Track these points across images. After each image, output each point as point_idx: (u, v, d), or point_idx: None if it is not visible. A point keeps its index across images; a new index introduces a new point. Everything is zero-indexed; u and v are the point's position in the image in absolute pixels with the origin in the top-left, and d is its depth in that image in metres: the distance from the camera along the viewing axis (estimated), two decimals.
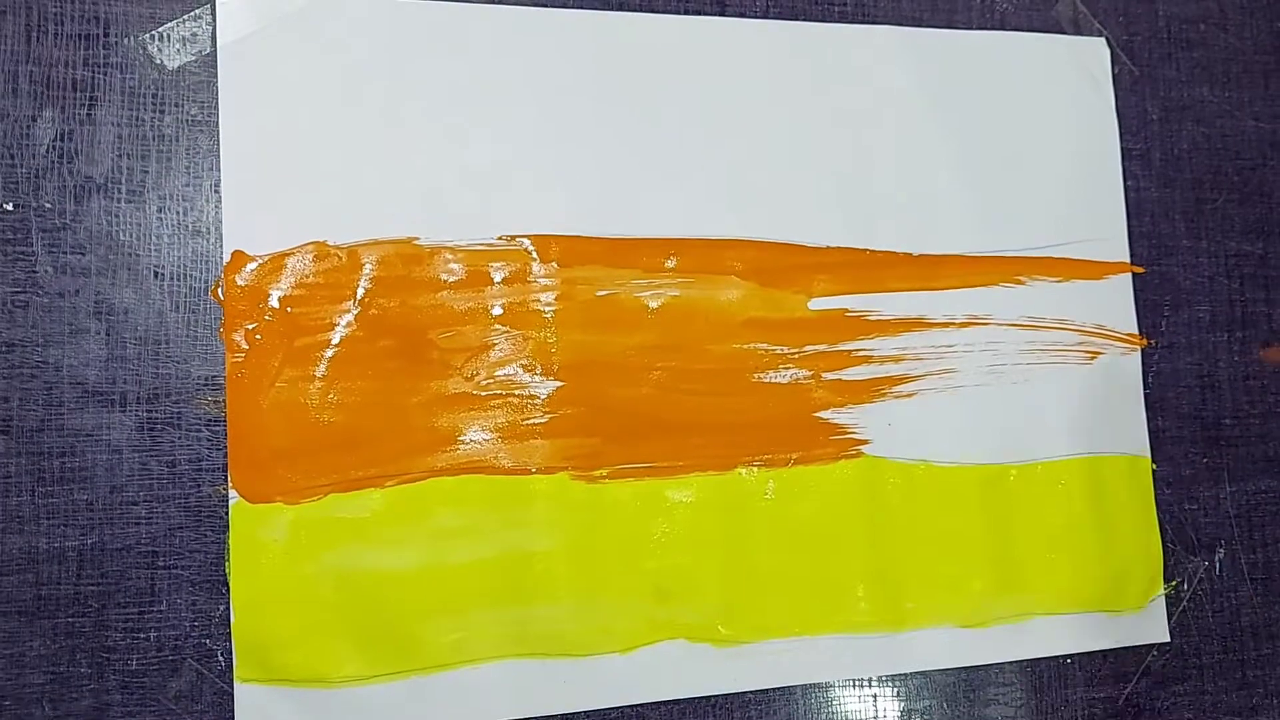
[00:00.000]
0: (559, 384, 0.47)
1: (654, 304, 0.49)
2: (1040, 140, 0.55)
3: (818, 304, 0.51)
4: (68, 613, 0.42)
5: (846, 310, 0.51)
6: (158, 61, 0.45)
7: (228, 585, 0.43)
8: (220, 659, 0.43)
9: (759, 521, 0.49)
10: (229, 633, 0.43)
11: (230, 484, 0.43)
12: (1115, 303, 0.55)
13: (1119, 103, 0.56)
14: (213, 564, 0.43)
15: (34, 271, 0.43)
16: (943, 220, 0.53)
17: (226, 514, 0.43)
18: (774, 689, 0.48)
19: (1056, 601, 0.52)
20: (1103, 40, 0.56)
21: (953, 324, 0.52)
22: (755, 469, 0.49)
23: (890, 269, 0.52)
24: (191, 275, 0.44)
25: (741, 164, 0.51)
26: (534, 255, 0.48)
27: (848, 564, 0.50)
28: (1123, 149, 0.56)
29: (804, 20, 0.52)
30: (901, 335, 0.52)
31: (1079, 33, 0.56)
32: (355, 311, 0.45)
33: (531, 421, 0.47)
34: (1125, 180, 0.56)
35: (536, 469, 0.47)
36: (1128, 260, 0.55)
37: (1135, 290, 0.55)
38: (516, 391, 0.47)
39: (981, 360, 0.52)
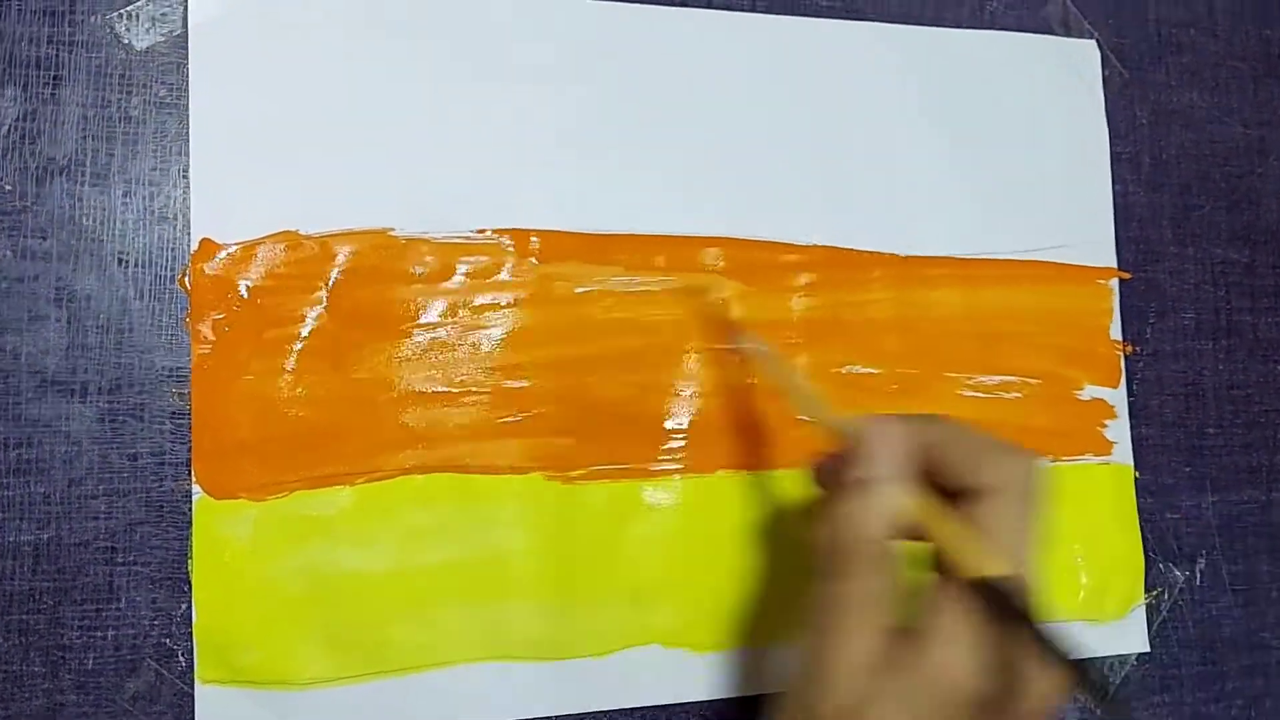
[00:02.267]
0: (534, 382, 0.46)
1: (627, 302, 0.48)
2: (1029, 142, 0.54)
3: (801, 303, 0.50)
4: (21, 609, 0.40)
5: (830, 311, 0.50)
6: (126, 41, 0.43)
7: (190, 583, 0.42)
8: (181, 659, 0.41)
9: (739, 525, 0.48)
10: (190, 632, 0.42)
11: (194, 479, 0.42)
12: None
13: (1108, 106, 0.56)
14: (174, 561, 0.42)
15: None
16: (929, 221, 0.52)
17: (189, 510, 0.42)
18: (753, 697, 0.47)
19: (1041, 610, 0.51)
20: (1093, 42, 0.56)
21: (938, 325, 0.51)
22: (736, 472, 0.48)
23: (876, 269, 0.51)
24: (157, 262, 0.43)
25: (725, 159, 0.50)
26: (512, 250, 0.46)
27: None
28: (1112, 153, 0.55)
29: (791, 15, 0.51)
30: (885, 337, 0.51)
31: (1069, 34, 0.55)
32: (327, 304, 0.44)
33: (505, 420, 0.46)
34: (1114, 184, 0.55)
35: (509, 468, 0.45)
36: (1115, 265, 0.55)
37: (1121, 296, 0.54)
38: (490, 389, 0.46)
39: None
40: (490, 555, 0.45)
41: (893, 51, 0.53)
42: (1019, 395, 0.52)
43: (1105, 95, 0.56)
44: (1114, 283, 0.54)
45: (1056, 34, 0.55)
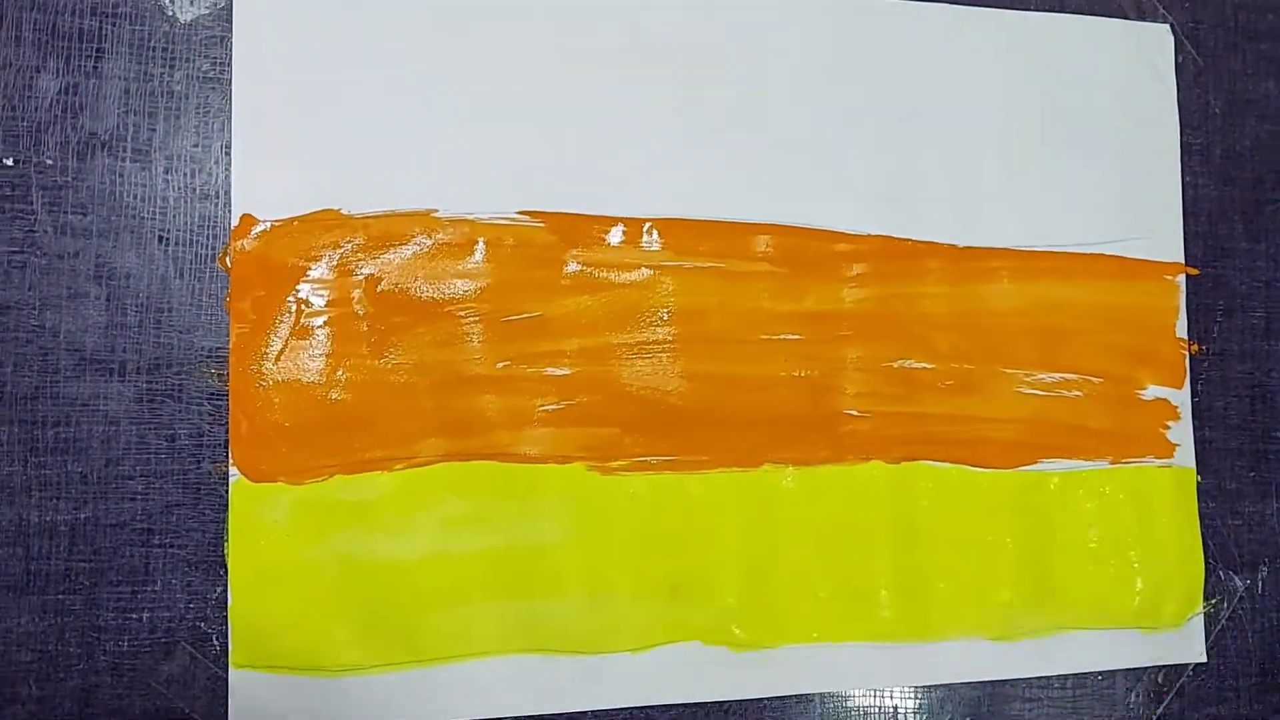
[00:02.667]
0: (577, 370, 0.45)
1: (677, 290, 0.46)
2: (1097, 130, 0.52)
3: (853, 294, 0.48)
4: (57, 589, 0.40)
5: (883, 303, 0.48)
6: (169, 13, 0.42)
7: (226, 567, 0.41)
8: (215, 643, 0.41)
9: (782, 522, 0.47)
10: (225, 616, 0.41)
11: (231, 461, 0.41)
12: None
13: (1181, 94, 0.53)
14: (211, 544, 0.41)
15: (33, 231, 0.41)
16: (990, 211, 0.50)
17: (226, 492, 0.41)
18: (791, 696, 0.46)
19: (1089, 616, 0.50)
20: (1167, 27, 0.53)
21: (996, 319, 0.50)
22: (781, 467, 0.47)
23: (932, 260, 0.49)
24: (198, 241, 0.42)
25: (779, 144, 0.48)
26: (555, 234, 0.45)
27: (874, 569, 0.47)
28: (1183, 143, 0.53)
29: None
30: (941, 331, 0.49)
31: (1142, 18, 0.53)
32: (366, 285, 0.43)
33: (547, 408, 0.45)
34: (1184, 176, 0.53)
35: (550, 457, 0.44)
36: (1182, 260, 0.52)
37: (1187, 293, 0.52)
38: (532, 376, 0.45)
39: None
40: (528, 545, 0.44)
41: (960, 34, 0.51)
42: (1079, 394, 0.50)
43: (1178, 83, 0.53)
44: (1180, 279, 0.52)
45: (1129, 18, 0.53)
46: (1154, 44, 0.53)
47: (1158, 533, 0.51)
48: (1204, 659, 0.51)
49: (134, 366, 0.41)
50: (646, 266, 0.46)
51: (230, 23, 0.43)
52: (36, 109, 0.41)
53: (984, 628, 0.48)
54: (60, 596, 0.40)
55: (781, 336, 0.47)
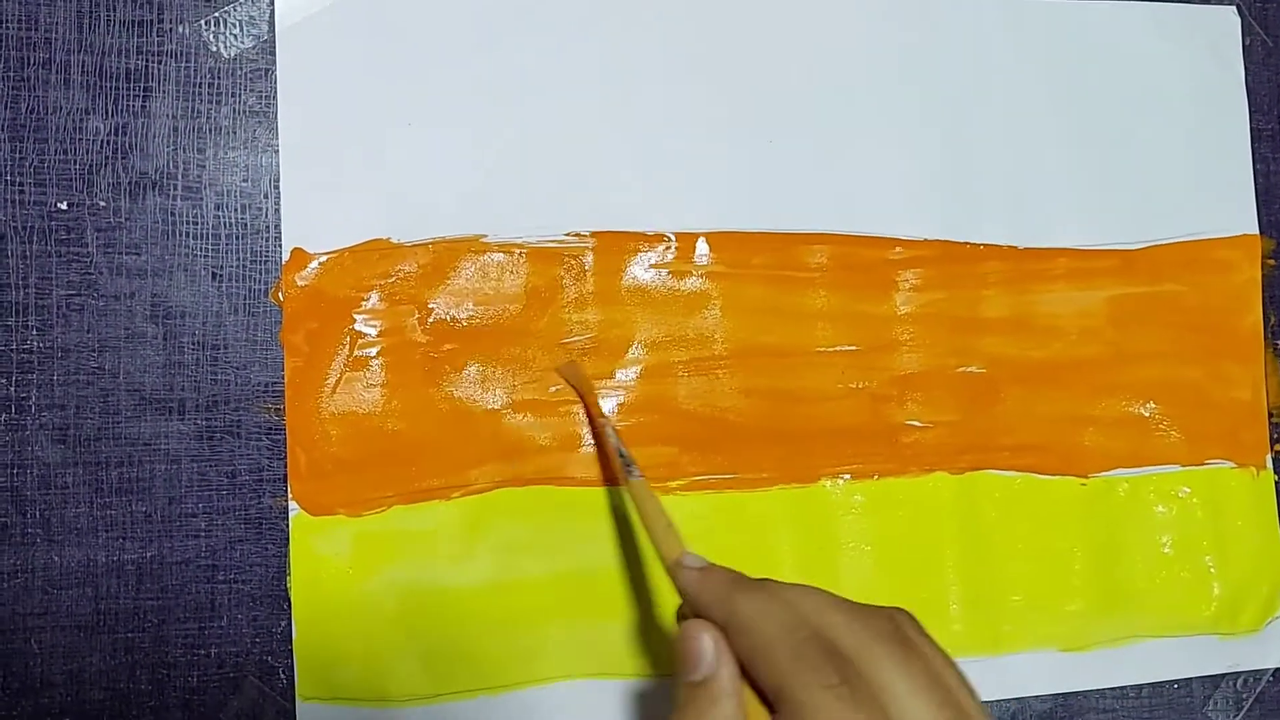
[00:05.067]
0: (634, 390, 0.45)
1: (730, 304, 0.46)
2: (1159, 120, 0.50)
3: (910, 301, 0.47)
4: (127, 628, 0.41)
5: (940, 308, 0.47)
6: (214, 49, 0.42)
7: (289, 600, 0.41)
8: (282, 676, 0.41)
9: (844, 537, 0.46)
10: (290, 649, 0.41)
11: (290, 495, 0.42)
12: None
13: (1249, 78, 0.51)
14: (274, 578, 0.42)
15: (89, 273, 0.41)
16: (1050, 209, 0.49)
17: (287, 527, 0.42)
18: None
19: (1164, 623, 0.48)
20: (1233, 9, 0.51)
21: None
22: (841, 481, 0.46)
23: (991, 263, 0.48)
24: (250, 276, 0.42)
25: (829, 149, 0.47)
26: (604, 254, 0.45)
27: (941, 582, 0.47)
28: (1253, 129, 0.51)
29: None
30: (1002, 339, 0.48)
31: (1206, 1, 0.51)
32: (419, 314, 0.43)
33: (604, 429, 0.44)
34: (1255, 164, 0.51)
35: (607, 480, 0.44)
36: (1258, 253, 0.50)
37: (1264, 287, 0.50)
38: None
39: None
40: (589, 569, 0.44)
41: (1013, 26, 0.49)
42: (1148, 395, 0.49)
43: (1246, 66, 0.51)
44: (1256, 271, 0.50)
45: (1192, 1, 0.51)
46: (1219, 27, 0.51)
47: (1234, 536, 0.49)
48: None
49: (192, 404, 0.41)
50: (699, 281, 0.46)
51: (274, 55, 0.43)
52: (87, 151, 0.41)
53: (1055, 638, 0.47)
54: (130, 635, 0.41)
55: (838, 348, 0.46)
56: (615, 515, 0.44)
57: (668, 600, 0.44)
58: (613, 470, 0.43)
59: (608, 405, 0.44)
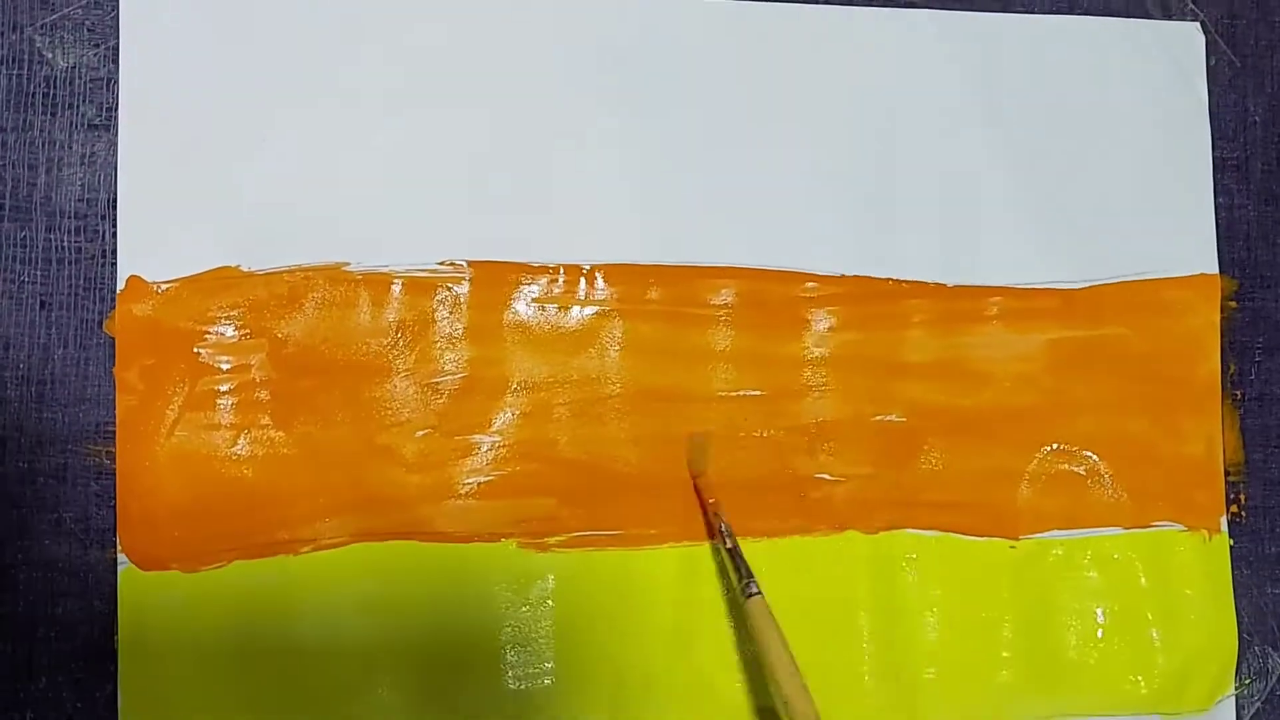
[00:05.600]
0: (509, 435, 0.41)
1: (622, 343, 0.42)
2: (1110, 147, 0.46)
3: (824, 342, 0.43)
4: None
5: (858, 353, 0.43)
6: (49, 56, 0.39)
7: (116, 662, 0.38)
8: None
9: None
10: (116, 716, 0.38)
11: (120, 547, 0.38)
12: None
13: (1214, 101, 0.47)
14: (100, 638, 0.38)
15: None
16: (984, 243, 0.45)
17: (115, 581, 0.38)
18: None
19: (1101, 701, 0.44)
20: (1196, 26, 0.47)
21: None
22: (740, 540, 0.42)
23: (916, 301, 0.44)
24: (83, 305, 0.39)
25: (737, 173, 0.43)
26: (484, 286, 0.41)
27: (853, 653, 0.43)
28: (1215, 158, 0.46)
29: (821, 3, 0.44)
30: (926, 385, 0.44)
31: (1168, 16, 0.46)
32: (269, 349, 0.39)
33: (474, 479, 0.40)
34: (1217, 196, 0.46)
35: (477, 535, 0.40)
36: (1216, 293, 0.46)
37: (1222, 329, 0.46)
38: (458, 444, 0.40)
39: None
40: (454, 633, 0.40)
41: (950, 42, 0.45)
42: (1087, 449, 0.44)
43: (1210, 89, 0.47)
44: (1213, 314, 0.46)
45: (1152, 17, 0.46)
46: (1181, 45, 0.47)
47: (1182, 605, 0.45)
48: None
49: (14, 444, 0.38)
50: (588, 319, 0.42)
51: (116, 64, 0.39)
52: None
53: (979, 716, 0.43)
54: None
55: (741, 392, 0.42)
56: (488, 574, 0.40)
57: (539, 669, 0.40)
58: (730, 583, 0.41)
59: (481, 452, 0.40)
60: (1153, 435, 0.45)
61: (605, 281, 0.42)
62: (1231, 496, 0.46)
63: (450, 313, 0.41)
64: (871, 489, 0.43)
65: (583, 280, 0.42)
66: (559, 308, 0.42)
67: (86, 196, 0.39)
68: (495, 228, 0.41)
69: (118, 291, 0.39)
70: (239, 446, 0.39)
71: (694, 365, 0.42)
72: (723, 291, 0.43)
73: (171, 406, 0.39)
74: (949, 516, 0.44)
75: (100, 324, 0.39)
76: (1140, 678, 0.44)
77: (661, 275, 0.42)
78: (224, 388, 0.39)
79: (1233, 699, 0.45)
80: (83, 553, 0.38)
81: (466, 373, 0.41)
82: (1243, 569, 0.46)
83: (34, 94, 0.39)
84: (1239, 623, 0.45)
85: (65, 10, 0.39)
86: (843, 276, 0.43)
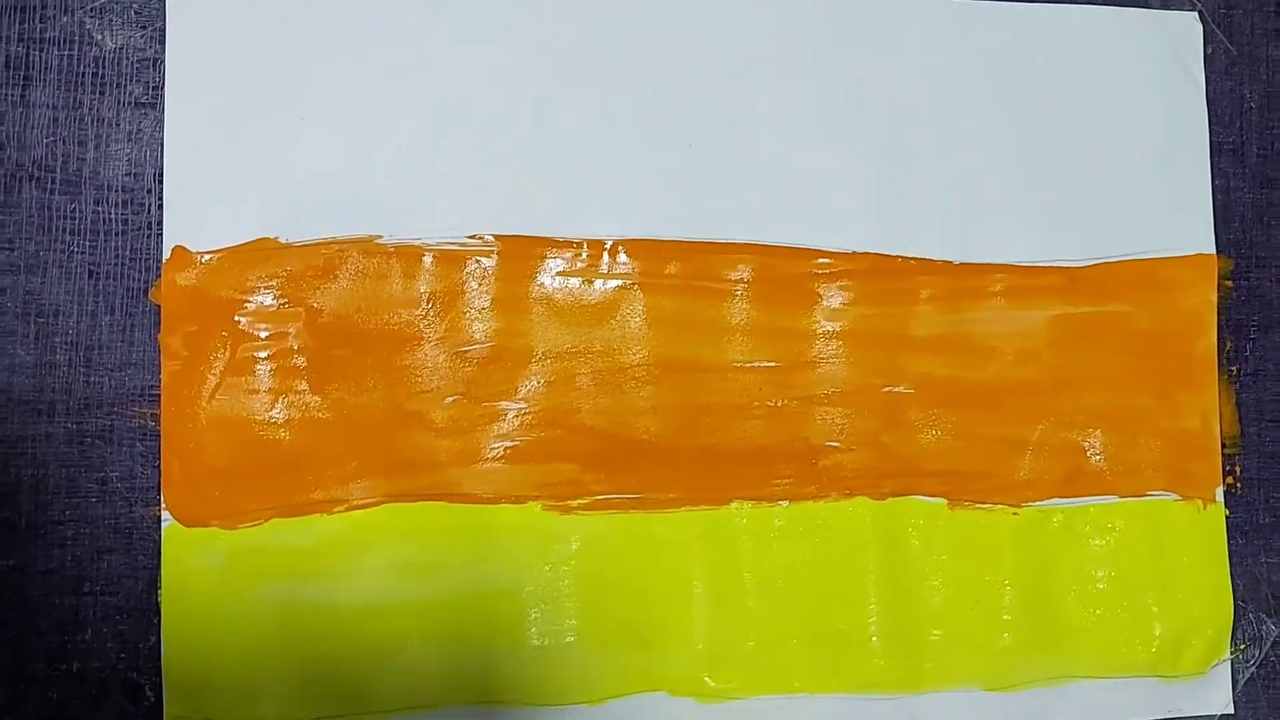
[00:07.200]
0: (534, 403, 0.42)
1: (643, 316, 0.43)
2: (1112, 130, 0.47)
3: (835, 317, 0.45)
4: None
5: (868, 327, 0.45)
6: (98, 38, 0.41)
7: (159, 615, 0.40)
8: (148, 695, 0.39)
9: (757, 564, 0.43)
10: (159, 667, 0.39)
11: (163, 505, 0.40)
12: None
13: (1211, 88, 0.48)
14: (143, 592, 0.40)
15: None
16: (990, 222, 0.46)
17: (159, 537, 0.40)
18: None
19: (1100, 664, 0.46)
20: (1194, 15, 0.48)
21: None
22: (753, 504, 0.44)
23: (924, 278, 0.45)
24: (129, 274, 0.40)
25: (750, 153, 0.44)
26: (511, 260, 0.42)
27: (860, 614, 0.44)
28: (1213, 143, 0.48)
29: None
30: (932, 358, 0.45)
31: (1166, 6, 0.48)
32: (306, 317, 0.41)
33: (501, 444, 0.42)
34: (1214, 179, 0.48)
35: (504, 497, 0.42)
36: (1213, 273, 0.48)
37: (1219, 308, 0.47)
38: (486, 410, 0.42)
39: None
40: (481, 591, 0.42)
41: (958, 29, 0.46)
42: (1088, 421, 0.46)
43: (1208, 76, 0.48)
44: (1210, 293, 0.47)
45: (1151, 6, 0.48)
46: (1179, 33, 0.48)
47: (1178, 573, 0.46)
48: (1230, 709, 0.46)
49: (63, 407, 0.40)
50: (610, 292, 0.43)
51: (163, 45, 0.41)
52: None
53: (981, 678, 0.45)
54: None
55: (756, 363, 0.44)
56: (514, 535, 0.42)
57: (563, 625, 0.42)
58: None
59: (508, 419, 0.42)
60: (1151, 409, 0.47)
61: (627, 256, 0.43)
62: (1227, 469, 0.47)
63: (479, 284, 0.42)
64: (880, 457, 0.45)
65: (605, 255, 0.43)
66: (582, 281, 0.43)
67: (133, 171, 0.41)
68: (523, 204, 0.43)
69: (163, 261, 0.40)
70: (276, 411, 0.41)
71: (711, 337, 0.44)
72: (739, 267, 0.44)
73: (213, 371, 0.40)
74: (953, 484, 0.45)
75: (146, 292, 0.40)
76: (1138, 642, 0.46)
77: (681, 251, 0.44)
78: (262, 354, 0.41)
79: (1228, 664, 0.47)
80: (127, 510, 0.40)
81: (494, 342, 0.42)
82: (1238, 538, 0.47)
83: (84, 74, 0.41)
84: (1234, 590, 0.47)
85: None
86: (854, 253, 0.45)
